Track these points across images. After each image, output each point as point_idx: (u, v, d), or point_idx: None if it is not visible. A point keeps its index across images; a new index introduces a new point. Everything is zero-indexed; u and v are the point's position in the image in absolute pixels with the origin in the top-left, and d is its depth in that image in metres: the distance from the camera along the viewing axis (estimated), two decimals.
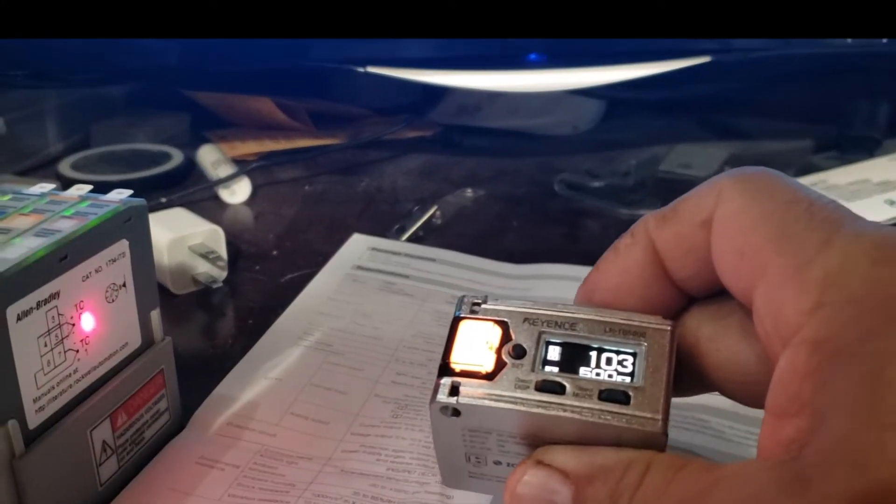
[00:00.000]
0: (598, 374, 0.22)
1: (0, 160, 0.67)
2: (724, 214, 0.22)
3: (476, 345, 0.23)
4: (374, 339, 0.42)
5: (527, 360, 0.23)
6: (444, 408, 0.23)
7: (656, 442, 0.21)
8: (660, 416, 0.21)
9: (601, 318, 0.23)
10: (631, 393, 0.22)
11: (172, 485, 0.32)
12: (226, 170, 0.62)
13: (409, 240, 0.53)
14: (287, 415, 0.36)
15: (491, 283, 0.48)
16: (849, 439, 0.18)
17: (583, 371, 0.23)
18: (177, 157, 0.66)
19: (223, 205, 0.60)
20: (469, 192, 0.61)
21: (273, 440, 0.35)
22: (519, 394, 0.22)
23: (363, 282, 0.47)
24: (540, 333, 0.23)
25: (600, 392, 0.22)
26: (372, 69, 0.64)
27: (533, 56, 0.65)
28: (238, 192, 0.61)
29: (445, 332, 0.41)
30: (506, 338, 0.23)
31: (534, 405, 0.22)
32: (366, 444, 0.35)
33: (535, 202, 0.60)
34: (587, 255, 0.51)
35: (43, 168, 0.65)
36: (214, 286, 0.47)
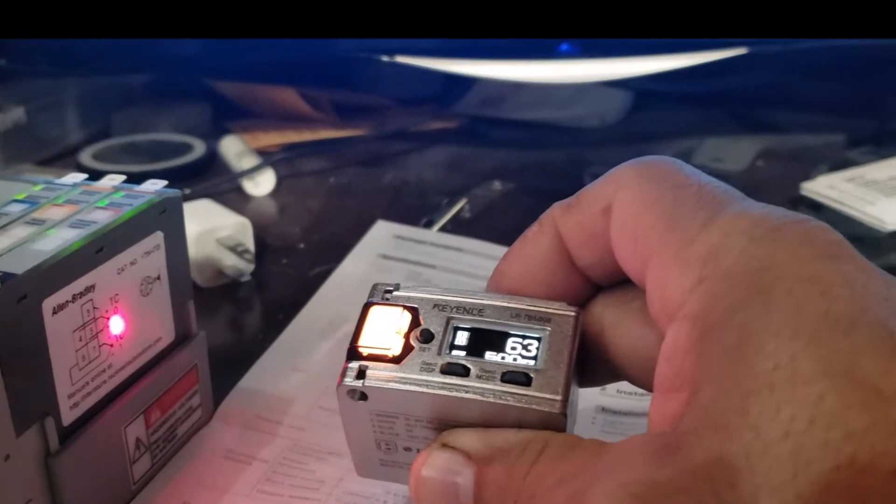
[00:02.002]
0: (502, 358, 0.23)
1: (20, 150, 0.66)
2: (620, 201, 0.23)
3: (385, 330, 0.24)
4: None
5: (434, 345, 0.23)
6: (352, 391, 0.23)
7: (556, 423, 0.22)
8: (559, 398, 0.22)
9: (508, 305, 0.24)
10: (532, 375, 0.22)
11: (200, 479, 0.32)
12: (249, 161, 0.61)
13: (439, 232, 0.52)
14: (315, 409, 0.36)
15: None
16: (714, 407, 0.18)
17: (488, 355, 0.23)
18: (199, 147, 0.65)
19: (247, 197, 0.59)
20: (498, 185, 0.60)
21: (302, 434, 0.34)
22: (425, 376, 0.23)
23: (389, 271, 0.46)
24: (448, 319, 0.24)
25: (503, 374, 0.22)
26: (398, 58, 0.63)
27: (564, 46, 0.64)
28: (262, 184, 0.60)
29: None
30: (415, 323, 0.24)
31: (438, 387, 0.22)
32: None
33: (564, 195, 0.58)
34: None
35: (63, 158, 0.65)
36: (242, 279, 0.46)
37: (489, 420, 0.22)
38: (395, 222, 0.52)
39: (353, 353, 0.23)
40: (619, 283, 0.24)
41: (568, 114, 0.73)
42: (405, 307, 0.24)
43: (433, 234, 0.51)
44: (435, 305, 0.24)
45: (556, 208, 0.25)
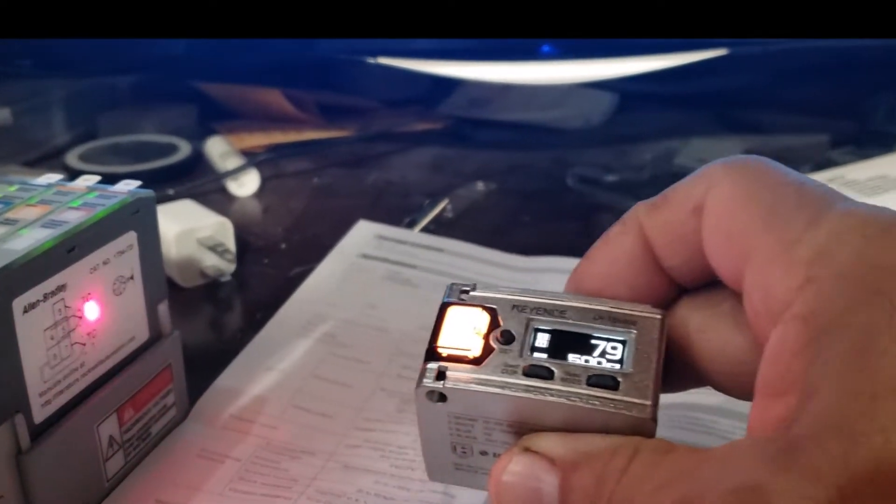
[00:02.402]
0: (586, 361, 0.22)
1: (6, 151, 0.66)
2: (713, 200, 0.22)
3: (464, 330, 0.23)
4: (380, 331, 0.41)
5: (515, 346, 0.23)
6: (430, 392, 0.22)
7: (645, 428, 0.21)
8: (649, 402, 0.21)
9: (591, 306, 0.23)
10: (620, 379, 0.22)
11: (174, 478, 0.32)
12: (234, 162, 0.61)
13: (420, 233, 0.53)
14: (290, 408, 0.36)
15: (499, 275, 0.47)
16: (838, 410, 0.18)
17: (571, 357, 0.22)
18: (184, 148, 0.65)
19: (231, 197, 0.59)
20: (480, 186, 0.60)
21: (276, 433, 0.34)
22: (506, 378, 0.22)
23: (369, 271, 0.47)
24: (529, 320, 0.23)
25: (589, 377, 0.22)
26: (382, 60, 0.63)
27: (546, 48, 0.64)
28: (246, 185, 0.60)
29: None
30: (494, 324, 0.23)
31: (521, 390, 0.22)
32: (370, 439, 0.34)
33: (547, 196, 0.59)
34: None
35: (50, 159, 0.65)
36: (222, 279, 0.47)
37: (572, 424, 0.22)
38: (378, 222, 0.53)
39: (431, 354, 0.23)
40: (703, 285, 0.24)
41: (553, 115, 0.73)
42: (484, 307, 0.23)
43: (414, 234, 0.51)
44: (514, 306, 0.23)
45: (641, 207, 0.24)
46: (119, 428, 0.31)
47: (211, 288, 0.47)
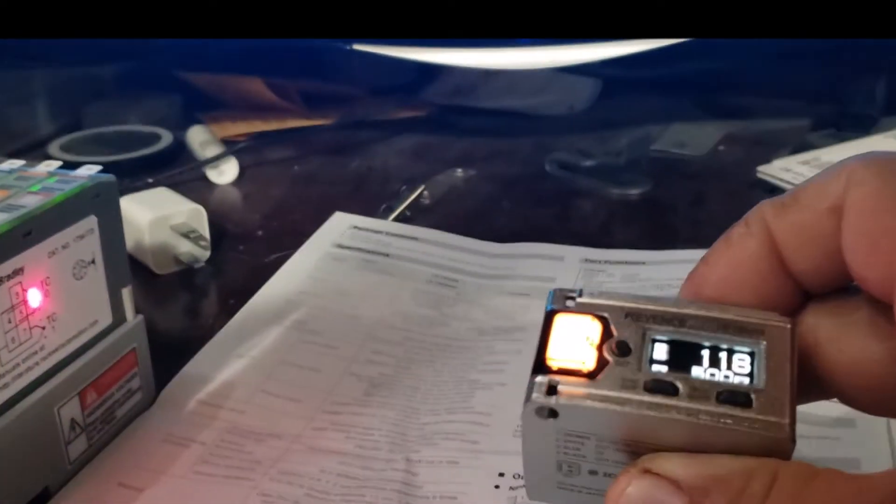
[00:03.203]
0: (712, 375, 0.20)
1: None
2: (856, 199, 0.20)
3: (574, 341, 0.21)
4: (352, 318, 0.41)
5: (632, 359, 0.21)
6: (541, 409, 0.21)
7: (782, 449, 0.19)
8: (787, 421, 0.19)
9: (712, 314, 0.21)
10: (752, 395, 0.20)
11: (137, 462, 0.32)
12: (214, 150, 0.61)
13: (397, 220, 0.53)
14: (258, 392, 0.36)
15: (473, 261, 0.47)
16: None
17: (695, 371, 0.20)
18: (166, 138, 0.65)
19: (211, 185, 0.60)
20: (460, 172, 0.60)
21: (242, 418, 0.34)
22: (626, 394, 0.20)
23: (343, 260, 0.47)
24: (644, 330, 0.21)
25: (718, 394, 0.20)
26: (360, 47, 0.63)
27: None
28: (226, 173, 0.60)
29: (425, 311, 0.42)
30: (607, 333, 0.21)
31: (643, 407, 0.20)
32: (336, 421, 0.34)
33: (527, 182, 0.59)
34: (577, 236, 0.51)
35: (33, 150, 0.65)
36: (196, 266, 0.47)
37: (697, 444, 0.20)
38: (356, 210, 0.53)
39: (540, 367, 0.21)
40: (833, 291, 0.22)
41: (536, 102, 0.73)
42: (594, 315, 0.22)
43: (389, 223, 0.51)
44: (627, 314, 0.22)
45: (767, 207, 0.22)
46: (82, 411, 0.31)
47: (185, 274, 0.47)
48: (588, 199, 0.56)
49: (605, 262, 0.47)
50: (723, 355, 0.21)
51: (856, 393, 0.22)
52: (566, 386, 0.21)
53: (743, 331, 0.21)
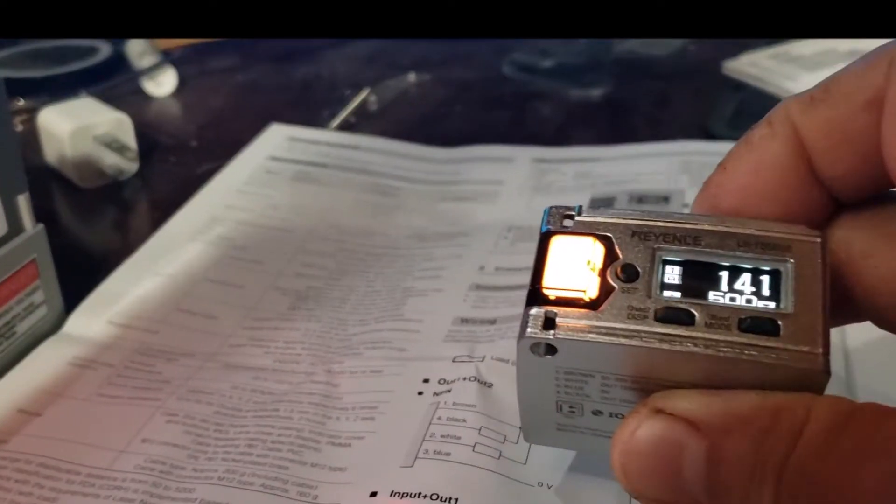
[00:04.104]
0: (732, 300, 0.18)
1: None
2: None
3: (574, 265, 0.19)
4: (282, 231, 0.39)
5: (640, 284, 0.18)
6: (537, 345, 0.18)
7: (815, 382, 0.17)
8: (819, 349, 0.17)
9: (731, 230, 0.19)
10: (780, 321, 0.17)
11: (39, 385, 0.30)
12: (151, 60, 0.58)
13: (340, 127, 0.50)
14: (174, 311, 0.34)
15: (417, 168, 0.44)
16: None
17: (713, 296, 0.18)
18: (104, 50, 0.61)
19: (148, 97, 0.56)
20: (412, 77, 0.57)
21: (154, 337, 0.32)
22: (634, 325, 0.18)
23: (276, 173, 0.44)
24: (654, 250, 0.19)
25: (740, 321, 0.17)
26: None
27: None
28: (164, 84, 0.57)
29: (362, 221, 0.40)
30: (611, 256, 0.19)
31: (655, 339, 0.18)
32: (255, 337, 0.32)
33: (484, 86, 0.56)
34: (531, 139, 0.48)
35: None
36: (123, 178, 0.44)
37: (715, 380, 0.18)
38: (299, 118, 0.50)
39: (536, 297, 0.18)
40: (868, 199, 0.20)
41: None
42: (596, 236, 0.19)
43: (328, 133, 0.48)
44: (634, 233, 0.19)
45: (793, 103, 0.19)
46: None
47: (112, 188, 0.44)
48: (546, 102, 0.53)
49: (557, 160, 0.44)
50: (744, 276, 0.18)
51: (892, 314, 0.19)
52: (565, 318, 0.18)
53: (766, 247, 0.18)
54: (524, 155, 0.45)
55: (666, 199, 0.39)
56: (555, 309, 0.18)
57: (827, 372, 0.17)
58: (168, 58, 0.58)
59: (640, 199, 0.39)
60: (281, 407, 0.29)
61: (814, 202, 0.20)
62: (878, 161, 0.18)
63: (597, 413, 0.20)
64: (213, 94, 0.56)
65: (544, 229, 0.20)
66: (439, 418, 0.27)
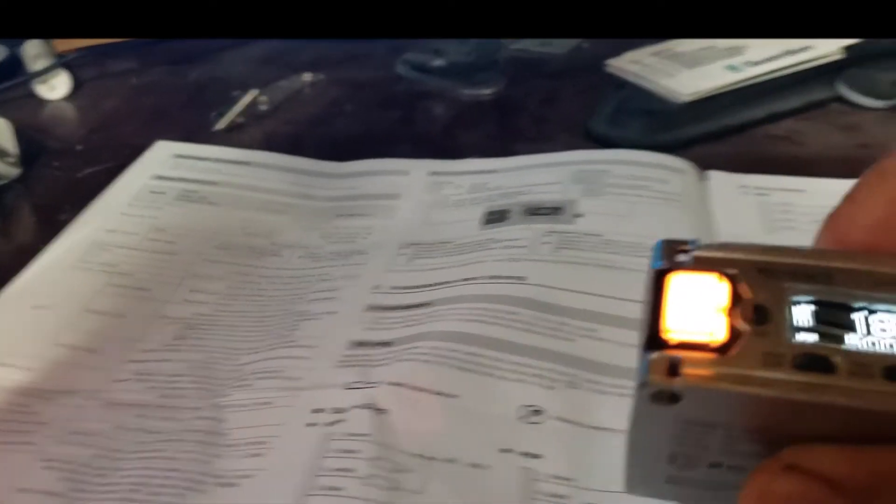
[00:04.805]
0: (873, 345, 0.16)
1: None
2: None
3: (697, 306, 0.17)
4: (168, 255, 0.38)
5: (772, 327, 0.17)
6: (660, 393, 0.17)
7: None
8: None
9: (866, 267, 0.17)
10: None
11: None
12: (44, 63, 0.56)
13: (229, 129, 0.48)
14: (52, 346, 0.33)
15: (310, 183, 0.44)
16: None
17: (850, 340, 0.16)
18: (0, 52, 0.59)
19: (41, 101, 0.54)
20: (307, 77, 0.56)
21: (30, 375, 0.31)
22: (770, 373, 0.16)
23: (161, 192, 0.43)
24: (783, 289, 0.17)
25: (885, 369, 0.16)
26: None
27: None
28: (57, 87, 0.55)
29: (254, 241, 0.39)
30: (736, 296, 0.17)
31: (794, 389, 0.16)
32: (140, 371, 0.32)
33: (376, 86, 0.56)
34: (420, 140, 0.48)
35: None
36: (1, 183, 0.43)
37: (855, 433, 0.16)
38: (187, 122, 0.49)
39: (655, 341, 0.17)
40: None
41: None
42: (720, 273, 0.17)
43: (216, 149, 0.47)
44: (760, 270, 0.17)
45: None
46: None
47: None
48: (436, 101, 0.53)
49: (453, 173, 0.44)
50: (885, 318, 0.17)
51: None
52: (691, 365, 0.16)
53: None
54: (420, 168, 0.45)
55: (559, 209, 0.39)
56: (678, 353, 0.17)
57: None
58: (62, 60, 0.56)
59: (535, 210, 0.40)
60: (166, 447, 0.28)
61: None
62: None
63: (714, 465, 0.19)
64: (106, 98, 0.55)
65: (657, 265, 0.18)
66: (332, 450, 0.27)
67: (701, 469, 0.19)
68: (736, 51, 0.51)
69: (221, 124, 0.48)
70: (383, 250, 0.38)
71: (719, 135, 0.48)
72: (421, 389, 0.29)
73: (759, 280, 0.17)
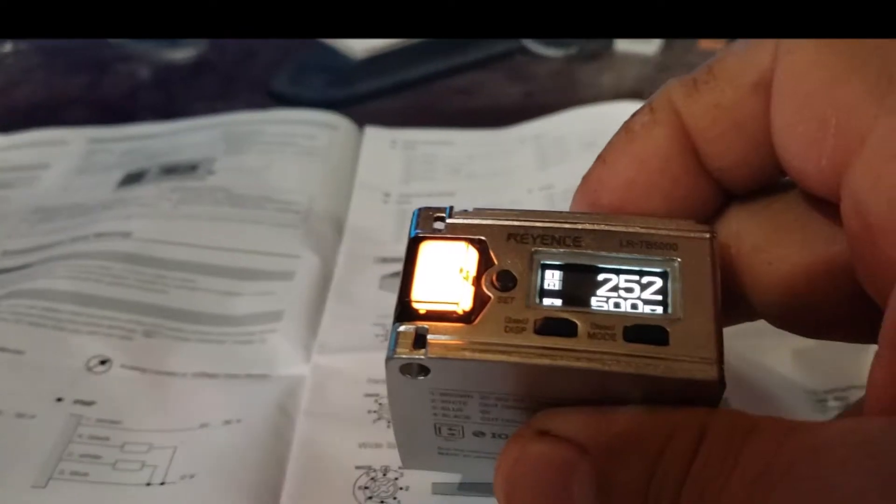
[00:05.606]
0: (617, 306, 0.17)
1: None
2: (789, 69, 0.16)
3: (446, 274, 0.17)
4: None
5: (518, 292, 0.17)
6: (407, 365, 0.17)
7: (709, 395, 0.16)
8: (712, 357, 0.16)
9: (613, 228, 0.17)
10: (668, 328, 0.16)
11: None
12: None
13: None
14: None
15: None
16: None
17: (596, 302, 0.17)
18: None
19: None
20: (7, 47, 0.55)
21: None
22: (513, 339, 0.16)
23: None
24: (532, 254, 0.17)
25: (625, 330, 0.16)
26: None
27: None
28: None
29: None
30: (485, 262, 0.17)
31: (534, 355, 0.16)
32: None
33: (74, 51, 0.55)
34: (102, 105, 0.48)
35: None
36: None
37: (603, 395, 0.16)
38: None
39: (405, 311, 0.17)
40: (759, 189, 0.18)
41: None
42: (469, 240, 0.17)
43: None
44: (510, 235, 0.17)
45: (675, 87, 0.18)
46: None
47: None
48: (133, 64, 0.53)
49: (113, 139, 0.45)
50: (629, 279, 0.17)
51: (785, 312, 0.18)
52: (438, 335, 0.16)
53: (652, 246, 0.17)
54: (80, 136, 0.45)
55: (195, 167, 0.41)
56: (425, 324, 0.17)
57: (721, 383, 0.16)
58: None
59: (171, 170, 0.41)
60: None
61: (702, 194, 0.18)
62: (768, 149, 0.17)
63: (479, 434, 0.19)
64: None
65: (413, 234, 0.18)
66: None
67: (468, 439, 0.19)
68: None
69: None
70: (10, 219, 0.38)
71: (398, 89, 0.50)
72: None
73: (508, 246, 0.17)
